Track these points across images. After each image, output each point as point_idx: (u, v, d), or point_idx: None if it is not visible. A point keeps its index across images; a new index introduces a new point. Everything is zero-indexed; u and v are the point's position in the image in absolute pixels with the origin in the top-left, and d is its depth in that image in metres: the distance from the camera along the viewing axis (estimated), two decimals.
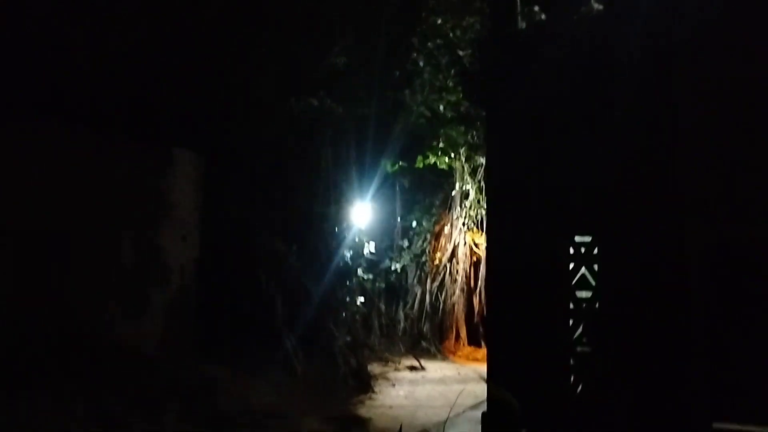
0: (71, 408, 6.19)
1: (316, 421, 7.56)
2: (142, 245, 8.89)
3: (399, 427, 7.53)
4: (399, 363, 12.16)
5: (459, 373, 12.17)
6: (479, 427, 6.01)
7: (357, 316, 11.00)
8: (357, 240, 11.99)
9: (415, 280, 14.22)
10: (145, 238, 8.93)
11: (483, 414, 5.42)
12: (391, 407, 8.87)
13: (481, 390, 10.72)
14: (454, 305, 14.24)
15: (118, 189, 8.58)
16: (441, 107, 9.07)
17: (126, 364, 7.71)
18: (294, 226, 10.37)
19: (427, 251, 14.28)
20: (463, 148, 12.37)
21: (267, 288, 9.27)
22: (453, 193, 13.39)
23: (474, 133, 10.15)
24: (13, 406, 5.65)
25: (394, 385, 10.62)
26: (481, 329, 15.56)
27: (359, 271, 11.54)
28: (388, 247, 13.95)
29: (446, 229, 14.38)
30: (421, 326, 13.99)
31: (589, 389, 5.10)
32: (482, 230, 13.98)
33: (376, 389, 10.03)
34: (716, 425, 4.52)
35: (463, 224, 13.77)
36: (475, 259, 14.66)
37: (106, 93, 8.57)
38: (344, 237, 11.67)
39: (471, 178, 13.11)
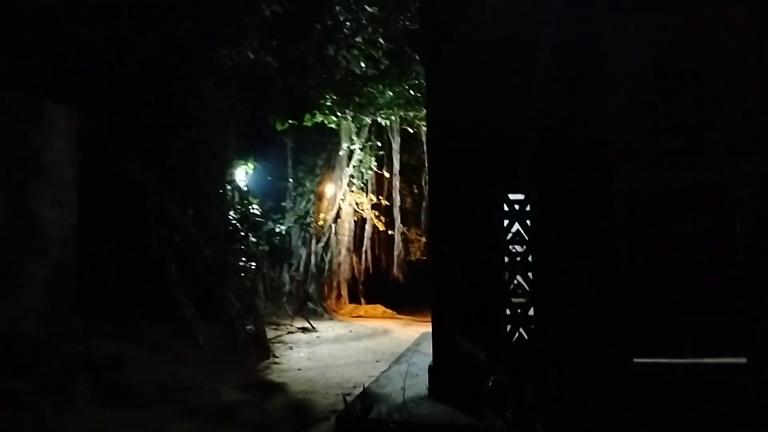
0: None
1: (232, 390, 7.37)
2: (14, 212, 7.94)
3: (313, 389, 7.64)
4: (291, 325, 12.13)
5: (351, 331, 12.44)
6: (414, 380, 6.30)
7: (248, 281, 10.74)
8: (245, 202, 11.66)
9: (300, 242, 14.14)
10: (16, 204, 7.97)
11: (430, 367, 5.67)
12: (299, 369, 8.88)
13: (383, 345, 11.14)
14: (339, 265, 14.41)
15: None
16: (362, 63, 8.93)
17: (13, 343, 6.95)
18: (181, 187, 9.80)
19: (311, 212, 14.22)
20: (351, 107, 12.33)
21: (160, 254, 8.73)
22: (340, 153, 13.36)
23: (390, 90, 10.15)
24: None
25: (291, 347, 10.61)
26: (360, 287, 16.02)
27: (249, 235, 11.24)
28: (271, 208, 13.67)
29: (330, 189, 14.39)
30: (306, 287, 14.01)
31: (524, 335, 5.52)
32: (367, 191, 14.22)
33: (276, 353, 9.96)
34: (636, 360, 5.12)
35: (348, 184, 13.85)
36: (357, 219, 14.90)
37: None
38: (231, 198, 11.29)
39: (357, 137, 13.16)
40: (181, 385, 7.22)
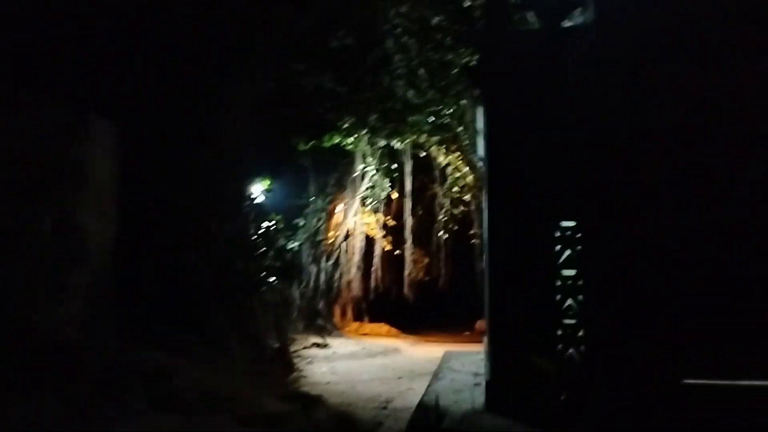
0: (38, 400, 5.66)
1: (274, 401, 7.58)
2: (59, 222, 8.11)
3: (349, 402, 7.90)
4: (306, 341, 12.35)
5: (363, 348, 12.69)
6: (460, 395, 6.63)
7: (271, 297, 10.97)
8: (264, 218, 11.92)
9: (310, 259, 14.39)
10: (61, 214, 8.14)
11: (487, 381, 6.01)
12: (328, 383, 9.12)
13: (398, 363, 11.42)
14: (348, 283, 14.68)
15: (32, 158, 7.72)
16: (409, 93, 9.37)
17: (60, 351, 7.10)
18: (210, 202, 10.03)
19: (321, 230, 14.50)
20: (365, 130, 12.69)
21: (195, 267, 8.94)
22: (355, 174, 13.71)
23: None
24: None
25: (311, 362, 10.84)
26: (364, 305, 16.29)
27: (270, 252, 11.50)
28: (283, 226, 13.91)
29: (340, 208, 14.71)
30: (315, 304, 14.24)
31: (575, 355, 5.89)
32: (380, 211, 14.59)
33: (299, 368, 10.19)
34: (686, 381, 5.52)
35: (363, 204, 14.20)
36: (366, 238, 15.22)
37: (18, 51, 7.65)
38: (250, 214, 11.55)
39: (372, 159, 13.54)
40: (225, 395, 7.40)
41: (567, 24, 6.13)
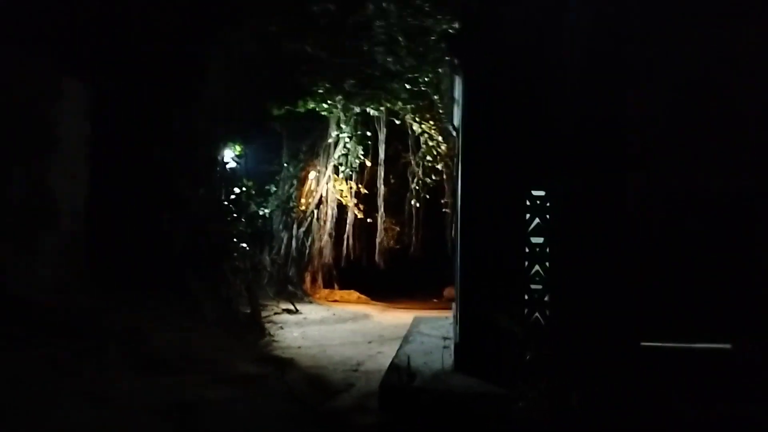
0: (14, 360, 5.77)
1: (248, 364, 7.79)
2: (29, 183, 8.10)
3: (320, 365, 8.15)
4: (276, 307, 12.53)
5: (333, 314, 12.93)
6: (430, 356, 6.93)
7: (242, 263, 11.09)
8: (236, 183, 11.97)
9: (281, 226, 14.50)
10: (32, 175, 8.13)
11: (455, 343, 6.29)
12: (299, 347, 9.34)
13: (367, 328, 11.69)
14: (320, 250, 14.85)
15: (7, 114, 7.67)
16: (388, 60, 9.42)
17: (34, 312, 7.17)
18: (183, 165, 10.05)
19: (293, 197, 14.58)
20: (340, 96, 12.72)
21: (168, 231, 9.01)
22: (329, 141, 13.78)
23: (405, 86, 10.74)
24: None
25: (282, 327, 11.03)
26: (334, 272, 16.50)
27: (241, 217, 11.59)
28: (255, 191, 13.95)
29: (312, 175, 14.79)
30: (287, 271, 14.40)
31: (540, 319, 6.20)
32: (353, 179, 14.71)
33: (270, 333, 10.38)
34: (643, 344, 5.88)
35: (336, 172, 14.30)
36: (338, 206, 15.35)
37: None
38: (227, 180, 11.60)
39: (346, 126, 13.60)
40: (200, 357, 7.59)
41: None
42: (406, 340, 8.03)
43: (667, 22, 6.05)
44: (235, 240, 11.22)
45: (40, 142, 8.17)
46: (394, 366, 6.17)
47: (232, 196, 11.78)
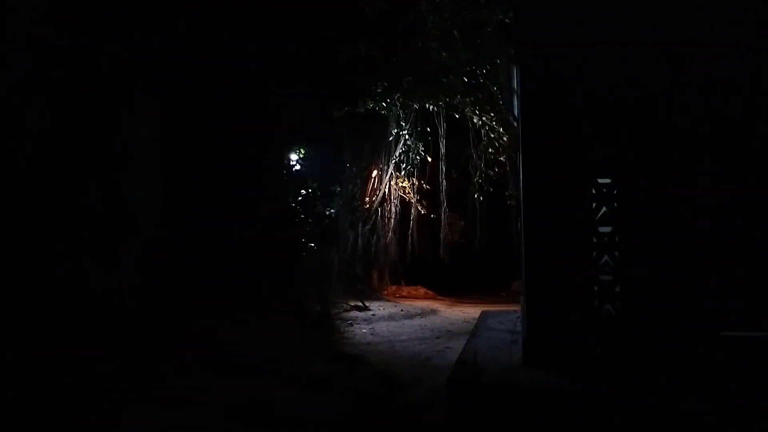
0: (98, 361, 6.02)
1: (318, 362, 7.84)
2: (108, 195, 8.43)
3: (389, 361, 8.11)
4: (345, 304, 12.61)
5: (401, 310, 12.89)
6: (497, 352, 6.76)
7: (312, 263, 11.22)
8: (307, 186, 12.13)
9: (347, 225, 14.58)
10: (110, 188, 8.45)
11: (523, 338, 6.11)
12: (368, 344, 9.34)
13: (435, 323, 11.60)
14: (385, 247, 14.85)
15: (81, 136, 8.00)
16: (443, 55, 9.34)
17: (116, 319, 7.46)
18: (251, 170, 10.24)
19: (357, 196, 14.64)
20: (398, 94, 12.64)
21: (239, 237, 9.20)
22: (389, 139, 13.75)
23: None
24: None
25: (351, 324, 11.08)
26: (400, 268, 16.46)
27: (309, 219, 11.73)
28: (321, 192, 14.10)
29: (375, 174, 14.80)
30: (354, 268, 14.47)
31: (611, 311, 5.94)
32: (413, 176, 14.64)
33: (341, 330, 10.45)
34: (724, 334, 5.52)
35: (397, 169, 14.26)
36: (401, 202, 15.31)
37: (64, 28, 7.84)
38: (288, 182, 11.77)
39: (405, 123, 13.53)
40: (271, 357, 7.70)
41: None
42: (473, 335, 7.89)
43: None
44: (303, 240, 11.37)
45: (116, 157, 8.48)
46: (460, 361, 6.05)
47: (299, 198, 11.94)
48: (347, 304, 12.62)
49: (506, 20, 8.09)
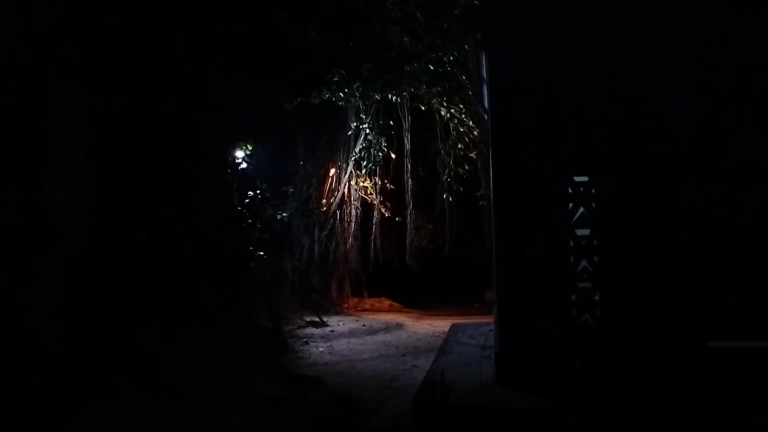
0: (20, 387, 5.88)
1: (269, 384, 7.81)
2: (24, 201, 8.21)
3: (349, 383, 8.13)
4: (300, 319, 12.58)
5: (363, 325, 12.94)
6: (469, 368, 6.85)
7: (260, 272, 11.15)
8: (250, 186, 12.04)
9: (302, 230, 14.54)
10: (30, 190, 8.24)
11: (495, 353, 6.20)
12: (326, 364, 9.35)
13: (401, 339, 11.66)
14: (345, 255, 14.86)
15: None
16: (405, 40, 9.37)
17: (35, 340, 7.29)
18: (189, 169, 10.12)
19: (313, 197, 14.62)
20: (357, 83, 12.65)
21: (179, 244, 9.08)
22: (348, 133, 13.77)
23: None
24: None
25: (307, 342, 11.07)
26: (362, 278, 16.50)
27: (257, 223, 11.65)
28: (271, 194, 14.02)
29: (333, 173, 14.81)
30: (310, 279, 14.44)
31: (590, 321, 6.06)
32: (378, 174, 14.68)
33: (295, 348, 10.42)
34: (710, 344, 5.69)
35: (358, 167, 14.29)
36: (362, 204, 15.35)
37: None
38: (239, 183, 11.67)
39: (366, 116, 13.57)
40: (216, 379, 7.63)
41: None
42: (442, 351, 7.96)
43: None
44: (251, 248, 11.29)
45: (35, 157, 8.27)
46: (428, 381, 6.10)
47: (246, 201, 11.85)
48: (302, 319, 12.60)
49: (475, 1, 8.20)
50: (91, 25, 8.81)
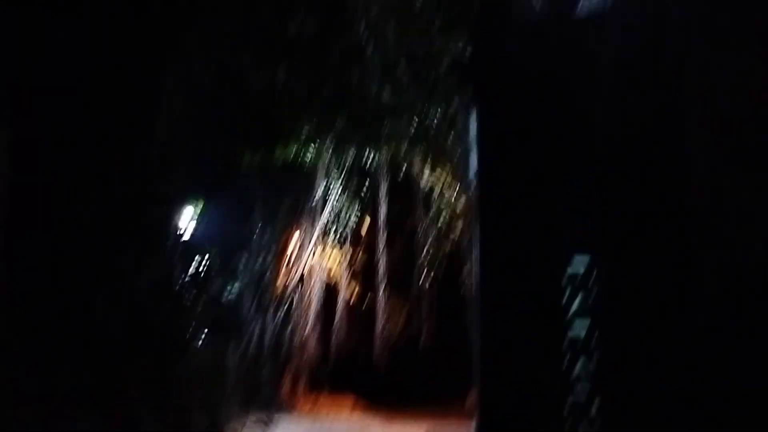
0: None
1: None
2: None
3: None
4: (246, 420, 12.34)
5: (321, 429, 12.76)
6: None
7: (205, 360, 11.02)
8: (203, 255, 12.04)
9: (253, 310, 14.42)
10: None
11: None
12: None
13: None
14: (304, 342, 14.72)
15: None
16: (385, 92, 9.60)
17: None
18: (129, 234, 10.10)
19: (269, 271, 14.57)
20: (329, 139, 12.80)
21: (102, 320, 8.98)
22: (315, 196, 13.87)
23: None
24: None
25: None
26: (322, 371, 16.32)
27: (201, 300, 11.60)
28: (220, 264, 13.96)
29: (295, 242, 14.83)
30: (259, 371, 14.23)
31: None
32: (347, 247, 14.73)
33: None
34: None
35: (324, 236, 14.34)
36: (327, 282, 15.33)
37: None
38: (183, 249, 11.65)
39: (338, 177, 13.71)
40: None
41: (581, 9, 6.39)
42: None
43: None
44: (191, 330, 11.18)
45: None
46: None
47: (189, 271, 11.81)
48: (248, 419, 12.36)
49: (463, 59, 8.47)
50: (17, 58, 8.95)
